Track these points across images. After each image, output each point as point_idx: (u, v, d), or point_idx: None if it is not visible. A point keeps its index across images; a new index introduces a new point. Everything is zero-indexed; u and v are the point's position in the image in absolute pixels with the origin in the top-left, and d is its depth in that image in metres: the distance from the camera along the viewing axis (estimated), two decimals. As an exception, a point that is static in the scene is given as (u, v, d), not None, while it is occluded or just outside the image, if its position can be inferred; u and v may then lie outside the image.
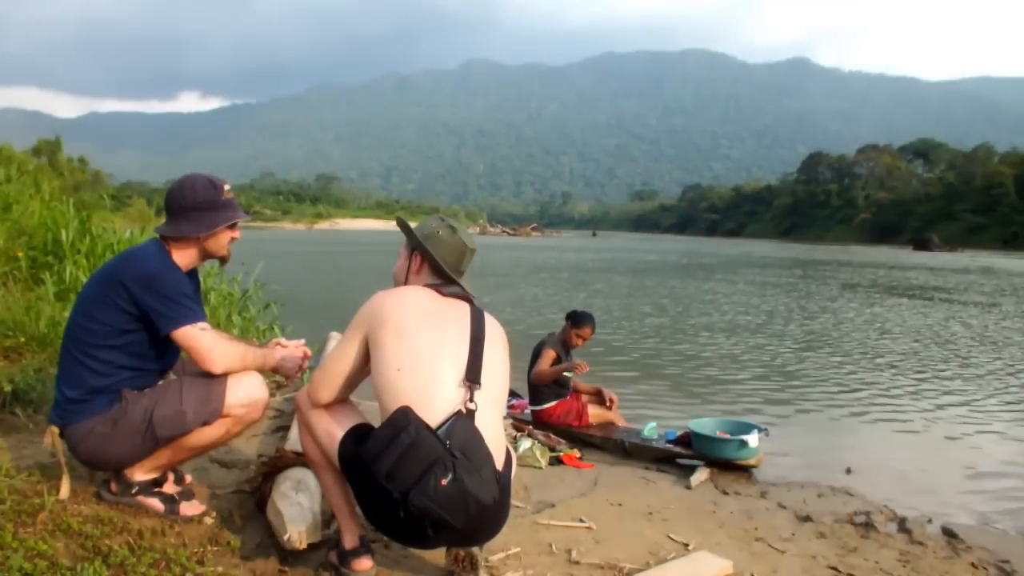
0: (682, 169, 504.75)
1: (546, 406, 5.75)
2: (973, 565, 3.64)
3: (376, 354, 2.46)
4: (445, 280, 2.70)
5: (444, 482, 2.21)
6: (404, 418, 2.30)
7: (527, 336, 6.10)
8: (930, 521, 4.33)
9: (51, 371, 4.13)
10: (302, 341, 3.17)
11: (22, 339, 4.77)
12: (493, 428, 2.44)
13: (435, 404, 2.36)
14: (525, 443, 4.85)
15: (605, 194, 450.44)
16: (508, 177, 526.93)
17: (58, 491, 2.83)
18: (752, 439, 5.01)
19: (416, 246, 2.73)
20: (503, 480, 2.44)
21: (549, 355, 5.76)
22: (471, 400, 2.40)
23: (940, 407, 7.77)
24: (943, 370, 9.96)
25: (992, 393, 8.59)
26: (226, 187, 2.91)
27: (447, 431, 2.30)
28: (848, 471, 5.32)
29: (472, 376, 2.44)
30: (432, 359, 2.42)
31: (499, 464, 2.42)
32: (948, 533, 4.11)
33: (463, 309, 2.61)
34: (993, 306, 19.45)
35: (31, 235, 6.63)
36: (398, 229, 2.85)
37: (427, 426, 2.30)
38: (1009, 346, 12.31)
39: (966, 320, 15.97)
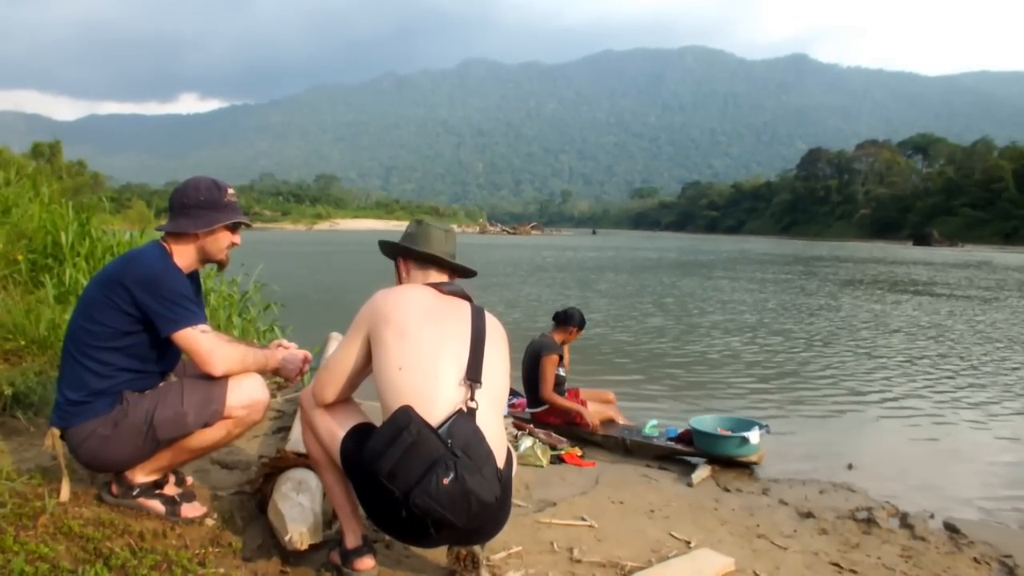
0: (681, 166, 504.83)
1: (545, 407, 5.73)
2: (975, 560, 3.64)
3: (378, 353, 2.46)
4: (435, 265, 2.75)
5: (446, 481, 2.21)
6: (405, 417, 2.30)
7: (528, 340, 6.05)
8: (932, 516, 4.32)
9: (52, 374, 4.13)
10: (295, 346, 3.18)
11: (22, 342, 4.77)
12: (494, 427, 2.44)
13: (436, 403, 2.37)
14: (526, 442, 4.85)
15: (604, 192, 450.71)
16: (507, 176, 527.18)
17: (59, 494, 2.83)
18: (753, 436, 5.01)
19: (397, 253, 2.80)
20: (504, 479, 2.44)
21: (552, 362, 5.70)
22: (472, 399, 2.40)
23: (942, 402, 7.77)
24: (945, 366, 9.96)
25: (995, 389, 8.59)
26: (230, 190, 2.92)
27: (448, 430, 2.31)
28: (850, 467, 5.32)
29: (473, 375, 2.45)
30: (433, 358, 2.43)
31: (500, 463, 2.42)
32: (950, 528, 4.11)
33: (463, 307, 2.62)
34: (995, 302, 19.45)
35: (31, 238, 6.63)
36: (398, 229, 2.88)
37: (428, 425, 2.30)
38: (1012, 342, 12.31)
39: (968, 316, 15.97)
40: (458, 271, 2.82)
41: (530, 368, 5.79)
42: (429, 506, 2.21)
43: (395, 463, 2.24)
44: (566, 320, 5.91)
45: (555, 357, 5.70)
